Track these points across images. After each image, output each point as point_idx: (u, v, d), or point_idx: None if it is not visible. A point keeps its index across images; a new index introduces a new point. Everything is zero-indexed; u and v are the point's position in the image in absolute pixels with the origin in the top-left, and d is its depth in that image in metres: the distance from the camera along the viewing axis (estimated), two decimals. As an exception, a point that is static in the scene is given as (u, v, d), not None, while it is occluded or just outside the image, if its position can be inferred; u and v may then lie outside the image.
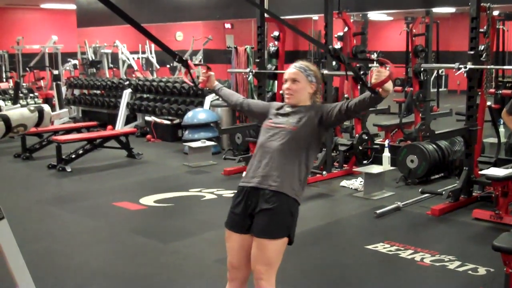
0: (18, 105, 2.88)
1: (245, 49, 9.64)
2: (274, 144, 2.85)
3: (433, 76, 11.79)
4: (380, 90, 2.58)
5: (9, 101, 10.27)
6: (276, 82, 8.19)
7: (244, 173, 2.98)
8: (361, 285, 4.19)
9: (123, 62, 13.94)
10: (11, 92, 11.65)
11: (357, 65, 7.51)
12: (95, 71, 14.22)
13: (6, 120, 2.54)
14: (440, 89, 11.12)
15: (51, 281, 4.12)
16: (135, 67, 13.94)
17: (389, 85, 2.56)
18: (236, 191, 2.95)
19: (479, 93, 6.14)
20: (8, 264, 2.66)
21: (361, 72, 7.30)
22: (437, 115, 9.66)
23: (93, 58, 14.31)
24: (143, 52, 14.48)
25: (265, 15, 7.65)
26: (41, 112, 2.69)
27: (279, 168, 2.80)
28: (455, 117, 9.30)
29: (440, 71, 11.83)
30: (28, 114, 2.63)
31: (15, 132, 2.61)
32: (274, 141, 2.86)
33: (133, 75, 13.55)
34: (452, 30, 14.40)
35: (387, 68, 2.56)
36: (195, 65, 3.22)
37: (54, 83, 11.91)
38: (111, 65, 14.55)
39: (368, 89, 2.60)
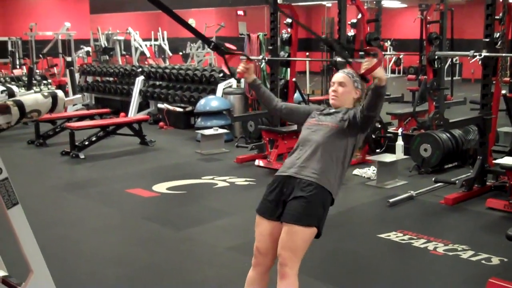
0: (32, 90, 2.88)
1: (258, 36, 9.60)
2: (316, 137, 2.93)
3: (447, 64, 11.73)
4: (375, 78, 2.67)
5: (23, 88, 10.33)
6: (288, 69, 8.16)
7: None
8: (373, 274, 4.17)
9: (136, 49, 13.98)
10: (25, 78, 11.72)
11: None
12: (108, 58, 14.27)
13: (20, 105, 2.54)
14: (454, 78, 11.03)
15: (64, 266, 4.14)
16: (148, 54, 13.96)
17: (379, 72, 2.66)
18: (270, 181, 3.00)
19: (494, 81, 6.08)
20: (23, 250, 2.67)
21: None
22: (451, 104, 9.60)
23: (106, 45, 14.34)
24: (156, 39, 14.50)
25: (279, 1, 7.61)
26: (54, 97, 2.69)
27: (318, 160, 2.87)
28: (469, 105, 9.24)
29: (454, 59, 11.78)
30: (42, 99, 2.64)
31: (29, 118, 2.62)
32: (316, 136, 2.94)
33: (146, 62, 13.57)
34: (467, 18, 14.29)
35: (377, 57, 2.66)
36: (233, 53, 3.01)
37: (67, 69, 11.94)
38: (123, 52, 14.59)
39: (359, 76, 2.73)
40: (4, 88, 2.76)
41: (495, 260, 4.23)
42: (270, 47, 7.85)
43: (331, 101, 3.07)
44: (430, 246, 4.54)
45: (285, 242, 2.79)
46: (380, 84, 2.69)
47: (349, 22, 7.93)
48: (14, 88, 2.81)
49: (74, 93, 11.36)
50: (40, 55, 15.05)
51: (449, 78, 10.50)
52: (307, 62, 12.49)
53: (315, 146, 2.90)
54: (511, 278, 3.67)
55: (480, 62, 5.83)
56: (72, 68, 12.24)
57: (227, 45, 2.90)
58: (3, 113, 2.54)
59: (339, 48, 2.83)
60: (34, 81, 11.12)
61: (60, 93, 2.72)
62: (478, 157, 6.03)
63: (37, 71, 13.63)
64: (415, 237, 4.74)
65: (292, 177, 2.87)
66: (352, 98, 3.04)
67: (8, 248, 3.09)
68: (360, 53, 2.73)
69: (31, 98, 2.62)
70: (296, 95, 8.43)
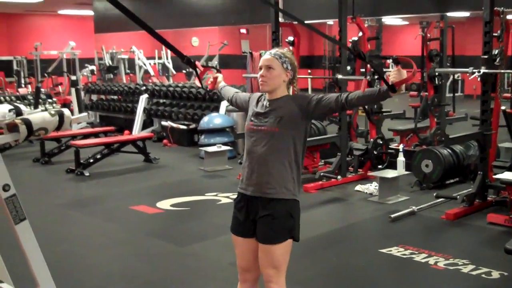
0: (39, 109, 2.96)
1: (260, 54, 9.66)
2: (259, 149, 2.81)
3: (449, 81, 11.78)
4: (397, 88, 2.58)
5: (28, 106, 10.44)
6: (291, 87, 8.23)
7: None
8: (375, 288, 4.22)
9: (140, 67, 14.07)
10: (30, 97, 11.83)
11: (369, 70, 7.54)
12: (112, 76, 14.35)
13: (28, 124, 2.63)
14: (456, 94, 11.07)
15: (70, 282, 4.19)
16: (152, 73, 14.05)
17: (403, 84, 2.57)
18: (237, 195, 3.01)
19: (494, 97, 6.14)
20: (30, 264, 2.73)
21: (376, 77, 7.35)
22: (452, 120, 9.64)
23: (110, 63, 14.44)
24: (160, 58, 14.59)
25: (280, 19, 7.72)
26: (61, 116, 2.77)
27: (270, 173, 2.80)
28: (471, 121, 9.27)
29: (456, 75, 11.79)
30: (49, 118, 2.72)
31: (37, 136, 2.70)
32: (259, 146, 2.82)
33: (150, 81, 13.66)
34: (468, 35, 14.35)
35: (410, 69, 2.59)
36: (204, 67, 3.14)
37: (74, 88, 12.05)
38: (128, 71, 14.68)
39: (389, 86, 2.58)
40: (12, 107, 2.85)
41: (495, 274, 4.27)
42: (272, 65, 7.92)
43: (260, 87, 2.88)
44: (431, 261, 4.58)
45: (265, 262, 2.83)
46: (394, 93, 2.58)
47: (350, 40, 8.03)
48: (22, 106, 2.89)
49: (80, 112, 11.46)
50: (45, 74, 15.18)
51: (451, 95, 10.55)
52: (309, 79, 12.59)
53: (262, 160, 2.80)
54: (511, 291, 3.71)
55: (479, 79, 5.89)
56: (78, 87, 12.35)
57: (197, 63, 2.97)
58: (12, 131, 2.62)
59: (369, 59, 2.77)
60: (40, 100, 11.22)
61: (66, 111, 2.80)
62: (479, 172, 6.08)
63: (42, 90, 13.73)
64: (416, 252, 4.78)
65: (253, 196, 2.86)
66: (283, 81, 2.85)
67: (15, 263, 3.15)
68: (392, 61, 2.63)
69: (39, 116, 2.70)
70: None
